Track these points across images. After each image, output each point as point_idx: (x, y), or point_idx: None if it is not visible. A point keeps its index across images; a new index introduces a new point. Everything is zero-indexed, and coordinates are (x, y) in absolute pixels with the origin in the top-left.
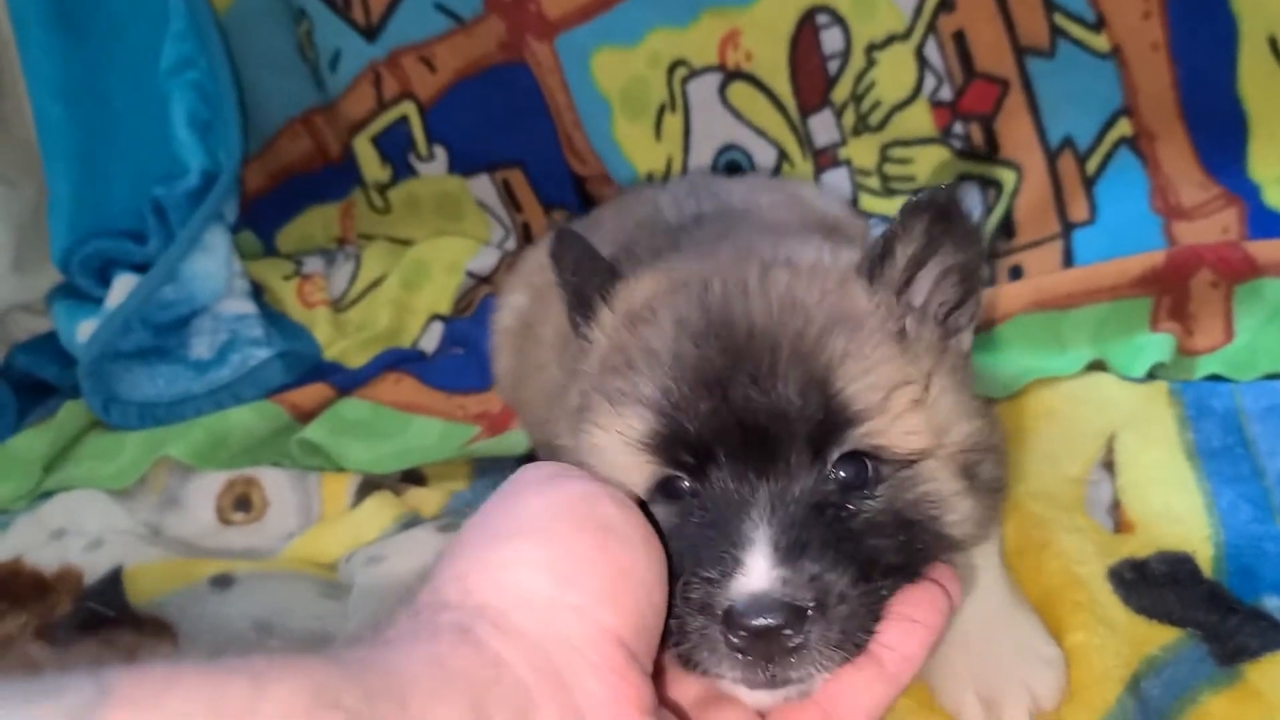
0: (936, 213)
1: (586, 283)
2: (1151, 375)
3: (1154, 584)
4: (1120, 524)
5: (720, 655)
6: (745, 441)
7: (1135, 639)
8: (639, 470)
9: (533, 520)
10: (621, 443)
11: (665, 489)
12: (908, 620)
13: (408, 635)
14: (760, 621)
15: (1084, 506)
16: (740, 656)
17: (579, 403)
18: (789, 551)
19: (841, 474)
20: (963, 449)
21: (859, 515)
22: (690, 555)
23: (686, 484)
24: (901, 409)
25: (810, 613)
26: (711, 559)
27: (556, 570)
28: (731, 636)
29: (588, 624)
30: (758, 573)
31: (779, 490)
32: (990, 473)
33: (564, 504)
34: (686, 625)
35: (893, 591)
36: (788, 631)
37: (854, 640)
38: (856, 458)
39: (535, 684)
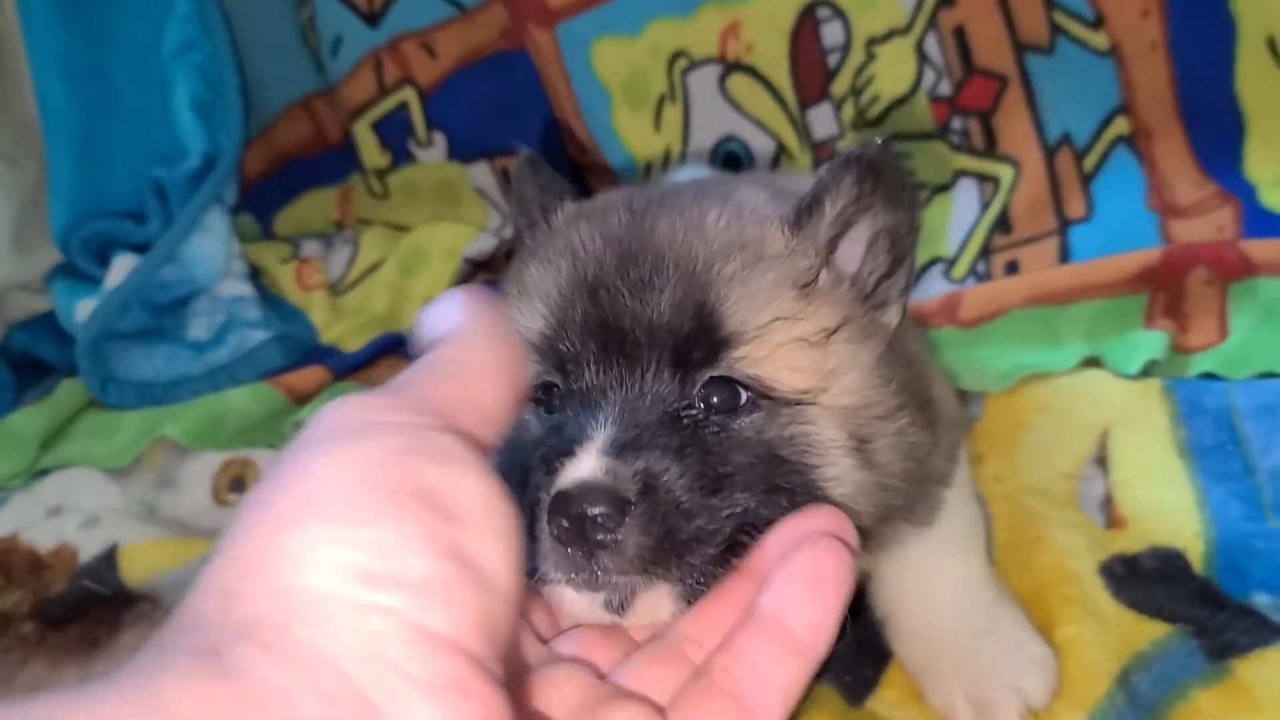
0: (865, 167)
1: (551, 198)
2: (1145, 372)
3: (1145, 579)
4: (1112, 519)
5: (546, 551)
6: (609, 346)
7: (1125, 634)
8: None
9: (330, 492)
10: (517, 339)
11: (548, 399)
12: (813, 581)
13: (129, 672)
14: (577, 508)
15: (1077, 501)
16: (561, 549)
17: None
18: (625, 448)
19: (714, 397)
20: (852, 406)
21: (722, 435)
22: (544, 455)
23: (562, 395)
24: (783, 341)
25: (632, 506)
26: (553, 455)
27: (362, 562)
28: (552, 526)
29: (408, 631)
30: (583, 463)
31: (632, 394)
32: (889, 457)
33: (373, 468)
34: (530, 524)
35: (747, 527)
36: (606, 521)
37: (682, 554)
38: (729, 383)
39: (329, 717)
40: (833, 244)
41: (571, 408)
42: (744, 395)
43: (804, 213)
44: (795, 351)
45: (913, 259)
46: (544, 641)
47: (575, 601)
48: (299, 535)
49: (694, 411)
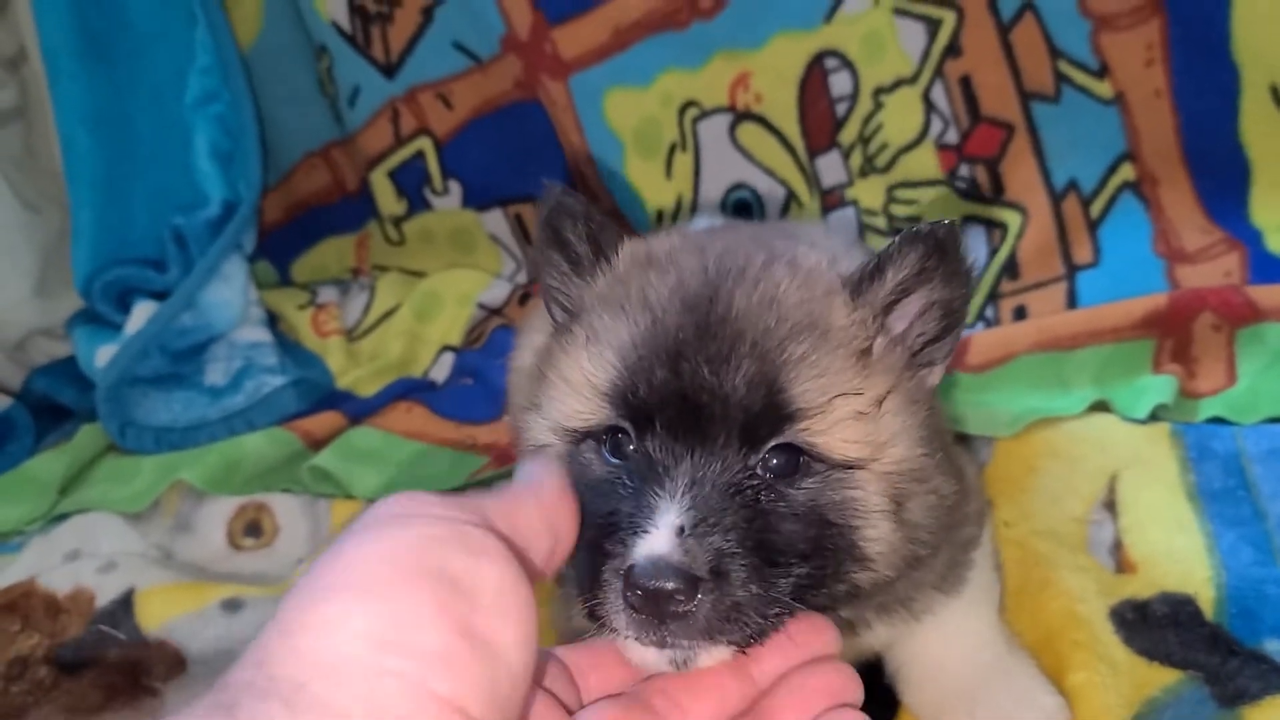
0: (933, 245)
1: (601, 231)
2: (1154, 417)
3: (1155, 625)
4: (1122, 564)
5: (618, 610)
6: (683, 415)
7: (1136, 680)
8: (595, 412)
9: (360, 572)
10: (586, 381)
11: (613, 440)
12: (785, 638)
13: None
14: (654, 584)
15: (1086, 546)
16: (634, 614)
17: (561, 320)
18: (696, 524)
19: (774, 461)
20: (897, 472)
21: (779, 502)
22: (614, 513)
23: (632, 445)
24: (843, 417)
25: (705, 583)
26: (627, 519)
27: (378, 631)
28: (628, 593)
29: (414, 693)
30: (660, 538)
31: (701, 466)
32: (920, 515)
33: (403, 551)
34: (598, 579)
35: (794, 591)
36: (680, 597)
37: (745, 623)
38: (791, 450)
39: None
40: (888, 309)
41: (640, 466)
42: (802, 460)
43: (865, 280)
44: (852, 425)
45: (961, 327)
46: (570, 712)
47: (643, 656)
48: (327, 606)
49: (756, 480)
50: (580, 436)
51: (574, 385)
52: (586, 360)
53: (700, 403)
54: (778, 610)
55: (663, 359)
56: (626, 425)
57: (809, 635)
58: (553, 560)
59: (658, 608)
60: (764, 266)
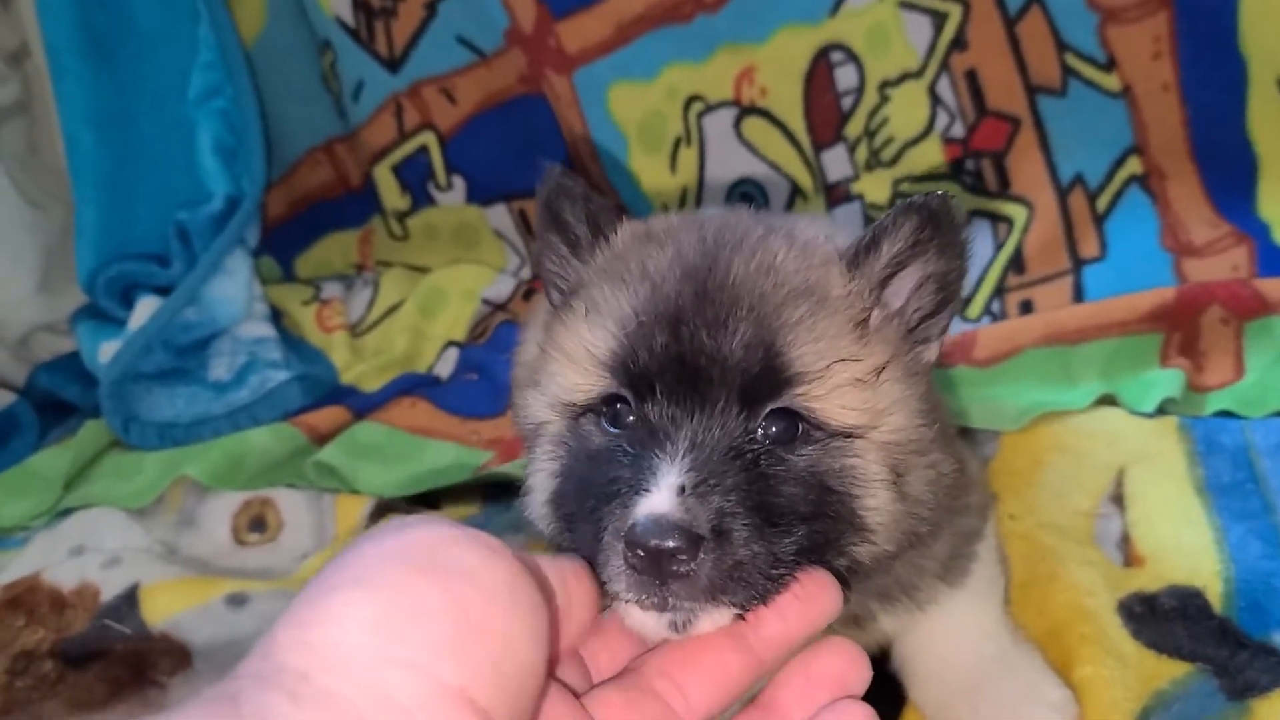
0: (927, 216)
1: (601, 209)
2: (1161, 410)
3: (1163, 618)
4: (1130, 557)
5: (619, 572)
6: (683, 379)
7: (1144, 673)
8: (595, 382)
9: (369, 567)
10: (585, 352)
11: (611, 411)
12: (788, 598)
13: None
14: (655, 542)
15: (1094, 539)
16: (635, 575)
17: (559, 302)
18: (698, 484)
19: (773, 428)
20: (895, 442)
21: (779, 467)
22: (614, 480)
23: (631, 414)
24: (841, 382)
25: (706, 542)
26: (627, 484)
27: (385, 621)
28: (629, 554)
29: (421, 681)
30: (661, 498)
31: (702, 428)
32: (920, 488)
33: (408, 548)
34: (599, 543)
35: (795, 555)
36: (682, 556)
37: (747, 583)
38: (789, 415)
39: None
40: (885, 283)
41: (640, 431)
42: (801, 427)
43: (862, 252)
44: (851, 391)
45: (957, 302)
46: (576, 696)
47: (642, 620)
48: (335, 598)
49: (755, 444)
50: (580, 411)
51: (573, 358)
52: (586, 331)
53: (699, 366)
54: (779, 571)
55: (662, 325)
56: (626, 393)
57: (810, 595)
58: (566, 625)
59: (659, 567)
60: (761, 237)
